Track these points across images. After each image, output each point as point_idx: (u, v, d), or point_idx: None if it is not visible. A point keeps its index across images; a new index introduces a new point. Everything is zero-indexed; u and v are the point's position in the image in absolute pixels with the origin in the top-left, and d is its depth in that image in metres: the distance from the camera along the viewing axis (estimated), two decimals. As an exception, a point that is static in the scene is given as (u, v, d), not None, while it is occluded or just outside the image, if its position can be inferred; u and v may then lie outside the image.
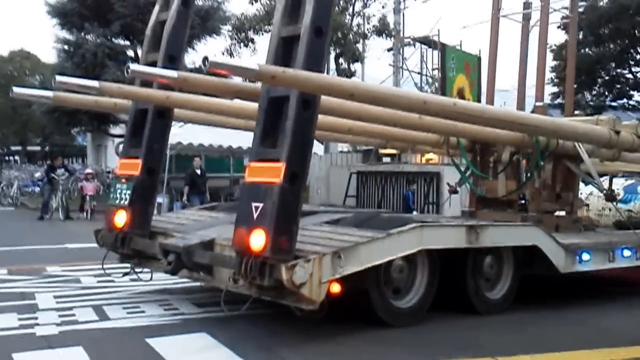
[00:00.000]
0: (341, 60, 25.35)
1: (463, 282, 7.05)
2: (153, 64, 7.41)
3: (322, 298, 5.59)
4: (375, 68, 76.11)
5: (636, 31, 28.99)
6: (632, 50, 30.74)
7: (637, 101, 32.90)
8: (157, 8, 7.82)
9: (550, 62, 33.20)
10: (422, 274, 6.73)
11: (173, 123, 18.00)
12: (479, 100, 22.88)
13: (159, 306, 7.23)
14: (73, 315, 6.76)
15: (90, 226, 16.82)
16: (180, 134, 17.22)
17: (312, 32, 5.68)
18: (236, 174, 21.98)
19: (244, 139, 16.26)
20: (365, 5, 25.50)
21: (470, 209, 9.87)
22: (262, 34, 25.41)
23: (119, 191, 7.45)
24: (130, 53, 24.27)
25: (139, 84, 7.42)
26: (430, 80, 27.22)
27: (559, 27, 32.38)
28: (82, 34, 22.95)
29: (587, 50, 29.96)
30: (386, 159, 21.43)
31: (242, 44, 25.65)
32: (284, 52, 5.90)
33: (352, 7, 25.11)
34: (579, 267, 7.84)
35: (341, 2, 24.48)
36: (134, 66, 5.90)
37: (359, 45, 25.25)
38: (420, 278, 6.73)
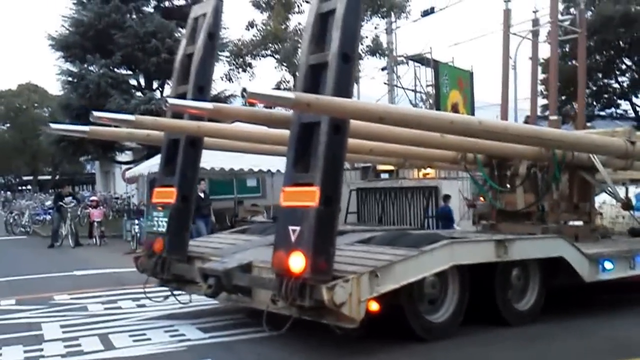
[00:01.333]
0: None
1: (492, 295, 6.99)
2: (183, 95, 7.45)
3: (361, 316, 5.56)
4: (370, 87, 76.42)
5: (620, 42, 29.06)
6: (617, 61, 30.83)
7: (624, 110, 32.92)
8: (184, 42, 7.88)
9: (539, 75, 33.46)
10: (453, 289, 6.69)
11: None
12: (472, 114, 22.92)
13: (164, 332, 7.06)
14: (79, 345, 6.61)
15: (99, 252, 17.06)
16: None
17: (340, 58, 5.71)
18: (240, 195, 21.86)
19: (246, 161, 16.66)
20: None
21: (491, 222, 9.79)
22: (260, 58, 25.48)
23: (156, 219, 7.47)
24: (133, 82, 24.44)
25: (171, 115, 7.45)
26: (424, 96, 27.31)
27: (545, 41, 32.69)
28: (85, 65, 22.92)
29: (574, 62, 30.02)
30: (384, 175, 21.22)
31: (240, 69, 25.57)
32: (312, 79, 5.94)
33: None
34: (603, 276, 7.77)
35: None
36: (171, 100, 5.95)
37: None
38: (452, 293, 6.69)
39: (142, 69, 23.62)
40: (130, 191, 25.31)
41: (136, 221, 18.26)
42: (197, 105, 5.89)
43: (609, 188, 9.36)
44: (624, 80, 32.15)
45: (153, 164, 18.03)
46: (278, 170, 17.61)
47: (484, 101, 29.72)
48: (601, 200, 10.94)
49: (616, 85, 32.16)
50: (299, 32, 23.71)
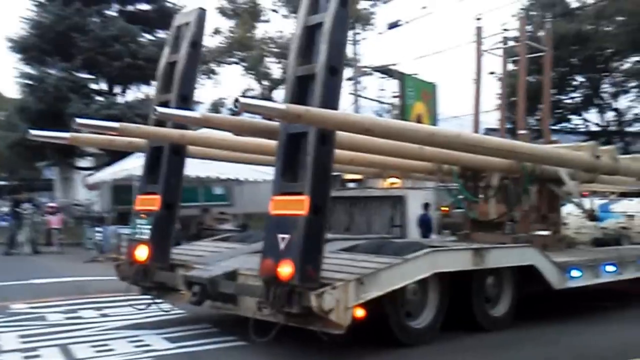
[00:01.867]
0: None
1: (469, 301, 7.17)
2: (166, 103, 7.46)
3: (348, 322, 5.66)
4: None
5: (573, 59, 30.03)
6: (570, 77, 31.83)
7: (575, 124, 33.94)
8: (167, 50, 7.88)
9: (498, 89, 34.35)
10: (433, 296, 6.84)
11: (139, 155, 17.21)
12: (435, 126, 23.34)
13: (128, 342, 6.76)
14: (38, 356, 6.31)
15: (58, 260, 16.41)
16: None
17: (327, 71, 5.83)
18: (206, 202, 21.21)
19: (213, 169, 16.24)
20: None
21: (465, 231, 10.02)
22: (225, 65, 25.54)
23: (139, 226, 7.45)
24: (94, 86, 23.93)
25: (153, 123, 7.47)
26: (390, 107, 27.54)
27: (507, 57, 33.54)
28: (44, 68, 22.56)
29: (529, 78, 30.87)
30: (351, 184, 20.99)
31: (205, 76, 25.50)
32: (299, 91, 6.03)
33: None
34: (570, 284, 8.05)
35: None
36: (161, 109, 5.98)
37: None
38: (432, 299, 6.84)
39: (104, 73, 23.12)
40: (92, 198, 24.62)
41: (98, 229, 17.91)
42: (185, 115, 5.93)
43: (576, 200, 9.70)
44: (576, 96, 33.02)
45: (117, 171, 17.87)
46: (246, 179, 17.63)
47: (444, 113, 30.49)
48: (567, 211, 11.32)
49: (569, 101, 33.12)
50: (265, 40, 23.82)
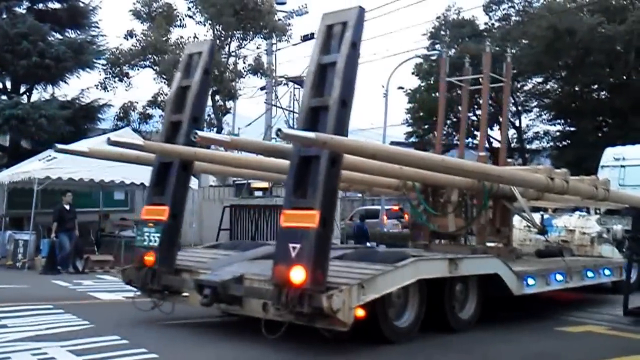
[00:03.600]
0: (217, 97, 25.31)
1: (441, 305, 8.09)
2: (178, 123, 8.16)
3: (352, 321, 6.47)
4: (246, 105, 77.76)
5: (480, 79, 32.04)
6: (476, 95, 34.00)
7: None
8: (178, 75, 8.57)
9: (405, 104, 35.81)
10: (413, 299, 7.72)
11: (40, 158, 17.06)
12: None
13: (31, 355, 6.47)
14: None
15: None
16: (49, 168, 15.84)
17: (339, 104, 6.65)
18: (106, 208, 20.63)
19: (115, 173, 15.93)
20: (240, 46, 25.57)
21: (424, 242, 10.98)
22: (138, 68, 24.82)
23: (147, 234, 8.05)
24: None
25: (163, 139, 8.12)
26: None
27: (412, 73, 35.17)
28: None
29: (435, 94, 32.54)
30: (258, 193, 21.11)
31: (116, 78, 24.93)
32: (312, 120, 6.83)
33: (227, 46, 25.01)
34: (526, 290, 9.08)
35: (217, 42, 24.23)
36: (201, 133, 6.68)
37: (234, 83, 25.29)
38: (412, 302, 7.71)
39: (9, 72, 22.32)
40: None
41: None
42: (219, 138, 6.66)
43: (526, 215, 10.82)
44: (480, 114, 34.99)
45: (15, 172, 17.35)
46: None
47: (353, 126, 31.66)
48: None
49: (474, 118, 35.07)
50: (180, 45, 23.28)
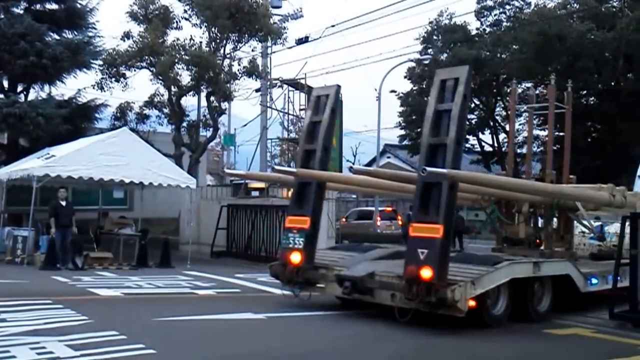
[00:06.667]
0: (212, 98, 25.23)
1: (524, 300, 9.91)
2: (312, 151, 10.25)
3: (467, 309, 8.40)
4: (242, 106, 79.19)
5: (471, 84, 33.08)
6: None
7: (472, 144, 37.12)
8: (309, 112, 10.68)
9: (398, 107, 37.22)
10: (504, 294, 9.56)
11: (39, 156, 17.83)
12: (340, 140, 25.03)
13: (30, 350, 6.43)
14: None
15: None
16: (48, 166, 15.68)
17: (455, 143, 8.55)
18: (105, 206, 20.56)
19: (115, 172, 15.97)
20: (235, 48, 25.34)
21: (498, 246, 12.80)
22: (135, 69, 24.65)
23: (292, 238, 10.11)
24: None
25: (301, 165, 10.18)
26: (295, 119, 28.76)
27: (405, 77, 36.43)
28: None
29: (427, 98, 33.46)
30: (255, 193, 21.12)
31: (113, 79, 24.60)
32: (431, 156, 8.73)
33: (223, 48, 24.87)
34: (590, 289, 10.81)
35: (212, 44, 24.15)
36: (356, 166, 8.70)
37: (229, 85, 24.87)
38: (503, 296, 9.56)
39: (7, 71, 22.22)
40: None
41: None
42: (366, 170, 8.67)
43: (587, 223, 12.56)
44: (473, 117, 35.49)
45: (13, 170, 17.41)
46: (151, 183, 16.76)
47: (346, 128, 32.67)
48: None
49: (474, 120, 35.64)
50: (176, 47, 23.53)
